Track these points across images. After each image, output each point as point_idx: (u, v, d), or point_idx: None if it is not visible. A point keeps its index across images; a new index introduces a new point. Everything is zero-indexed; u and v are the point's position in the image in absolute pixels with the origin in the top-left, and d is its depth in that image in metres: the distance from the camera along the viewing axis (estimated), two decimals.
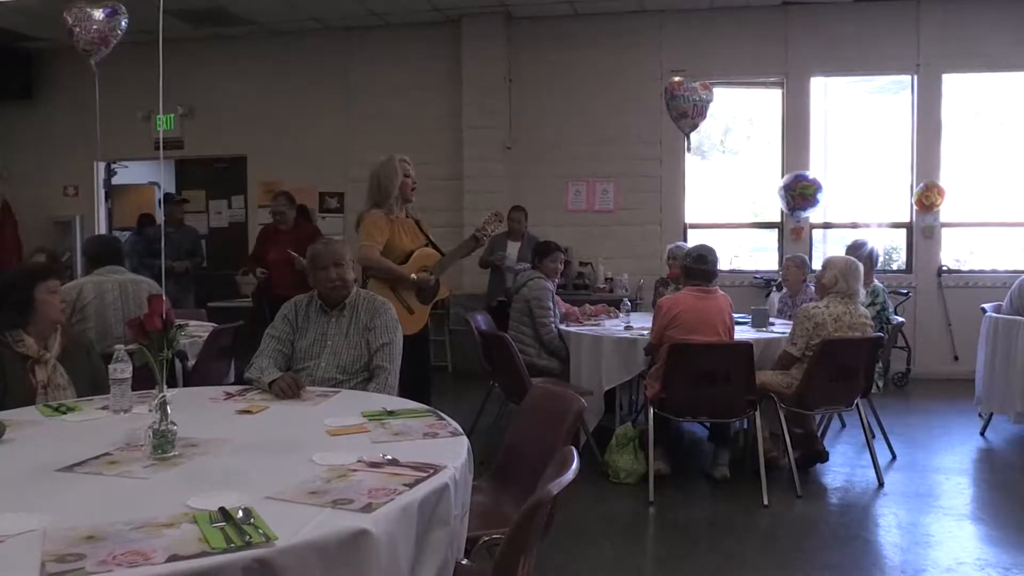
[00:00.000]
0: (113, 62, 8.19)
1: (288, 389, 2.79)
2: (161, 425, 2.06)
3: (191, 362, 4.40)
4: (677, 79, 6.18)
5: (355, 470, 1.92)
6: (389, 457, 2.01)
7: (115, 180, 9.56)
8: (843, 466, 4.76)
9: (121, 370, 2.54)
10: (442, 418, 2.46)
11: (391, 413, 2.52)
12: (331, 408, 2.66)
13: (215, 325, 5.14)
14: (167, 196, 7.71)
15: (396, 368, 3.21)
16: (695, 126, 6.17)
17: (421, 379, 4.26)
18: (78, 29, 5.34)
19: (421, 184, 4.46)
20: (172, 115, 8.76)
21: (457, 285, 7.57)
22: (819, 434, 4.76)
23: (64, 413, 2.58)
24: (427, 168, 6.08)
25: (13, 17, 7.63)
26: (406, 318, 4.14)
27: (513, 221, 7.10)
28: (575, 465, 1.75)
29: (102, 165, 9.17)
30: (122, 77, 8.61)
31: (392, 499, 1.71)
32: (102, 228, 9.13)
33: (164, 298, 2.08)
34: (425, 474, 1.88)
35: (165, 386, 2.10)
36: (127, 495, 1.79)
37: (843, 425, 5.59)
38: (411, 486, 1.79)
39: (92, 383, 2.99)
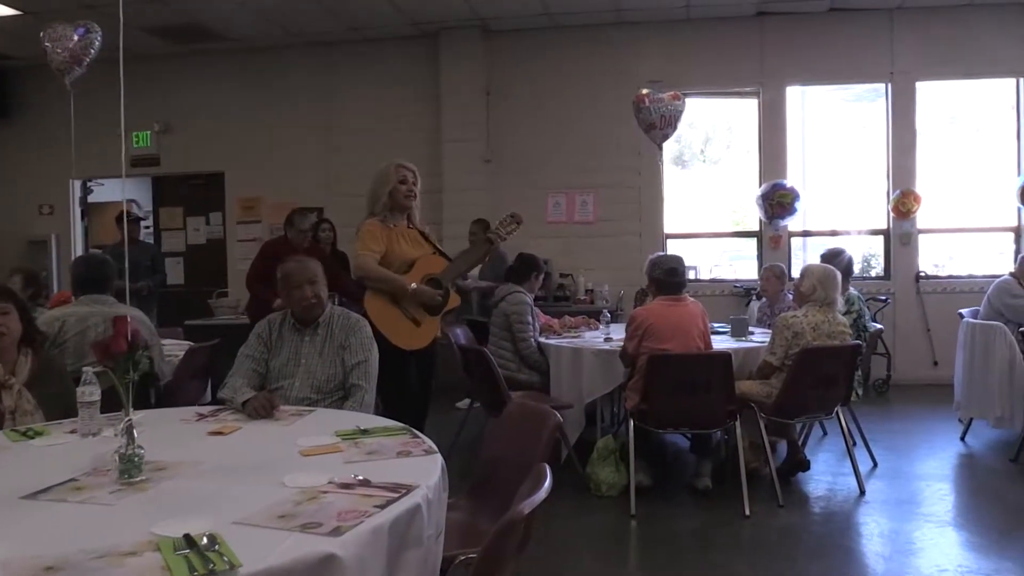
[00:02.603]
0: (87, 80, 8.13)
1: (261, 408, 2.75)
2: (128, 449, 2.02)
3: (166, 380, 4.34)
4: (644, 91, 6.19)
5: (326, 492, 1.89)
6: (360, 478, 1.98)
7: (93, 198, 9.46)
8: (825, 474, 4.75)
9: (89, 393, 2.49)
10: (416, 436, 2.43)
11: (365, 432, 2.49)
12: (305, 427, 2.62)
13: (191, 344, 5.10)
14: (119, 215, 7.55)
15: (372, 387, 3.18)
16: (666, 137, 6.18)
17: (422, 396, 4.11)
18: (59, 50, 5.28)
19: None
20: (148, 132, 8.70)
21: None
22: (800, 443, 4.76)
23: (32, 438, 2.53)
24: None
25: None
26: (411, 332, 3.94)
27: (472, 235, 6.88)
28: (547, 483, 1.74)
29: (78, 183, 9.08)
30: (96, 94, 8.54)
31: (362, 521, 1.68)
32: (78, 247, 9.03)
33: (128, 319, 2.04)
34: (397, 495, 1.85)
35: (132, 409, 2.06)
36: (91, 523, 1.75)
37: (824, 433, 5.60)
38: (382, 507, 1.77)
39: (64, 407, 2.93)
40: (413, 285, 3.92)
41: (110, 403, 2.52)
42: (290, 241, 6.34)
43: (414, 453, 2.26)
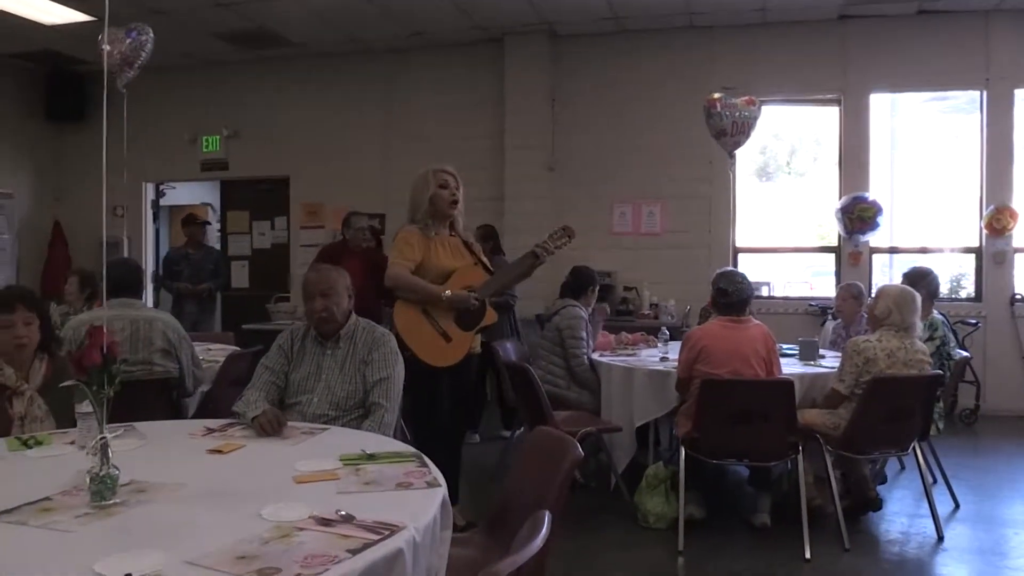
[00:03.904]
0: (161, 85, 8.29)
1: (268, 425, 2.59)
2: (101, 470, 1.88)
3: (204, 387, 4.26)
4: (716, 95, 5.83)
5: (302, 528, 1.71)
6: (343, 513, 1.78)
7: (168, 201, 9.65)
8: (898, 515, 4.33)
9: (88, 403, 2.38)
10: (424, 465, 2.23)
11: (371, 456, 2.29)
12: (310, 448, 2.45)
13: (236, 349, 5.01)
14: (186, 217, 7.67)
15: (394, 406, 2.97)
16: (737, 144, 5.81)
17: (456, 417, 3.84)
18: (116, 53, 5.33)
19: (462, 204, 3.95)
20: (218, 136, 8.82)
21: None
22: (872, 478, 4.36)
23: (31, 447, 2.44)
24: (468, 188, 5.72)
25: (65, 41, 7.77)
26: (441, 347, 3.70)
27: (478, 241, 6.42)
28: (540, 538, 1.50)
29: (151, 186, 9.27)
30: (170, 100, 8.74)
31: (327, 569, 1.48)
32: (149, 248, 9.21)
33: (104, 330, 1.90)
34: (377, 536, 1.65)
35: (106, 428, 1.92)
36: (38, 553, 1.60)
37: (902, 467, 5.14)
38: (355, 552, 1.57)
39: (74, 415, 2.84)
40: (447, 292, 3.67)
41: (122, 412, 2.39)
42: (347, 243, 6.19)
43: (415, 485, 2.05)
